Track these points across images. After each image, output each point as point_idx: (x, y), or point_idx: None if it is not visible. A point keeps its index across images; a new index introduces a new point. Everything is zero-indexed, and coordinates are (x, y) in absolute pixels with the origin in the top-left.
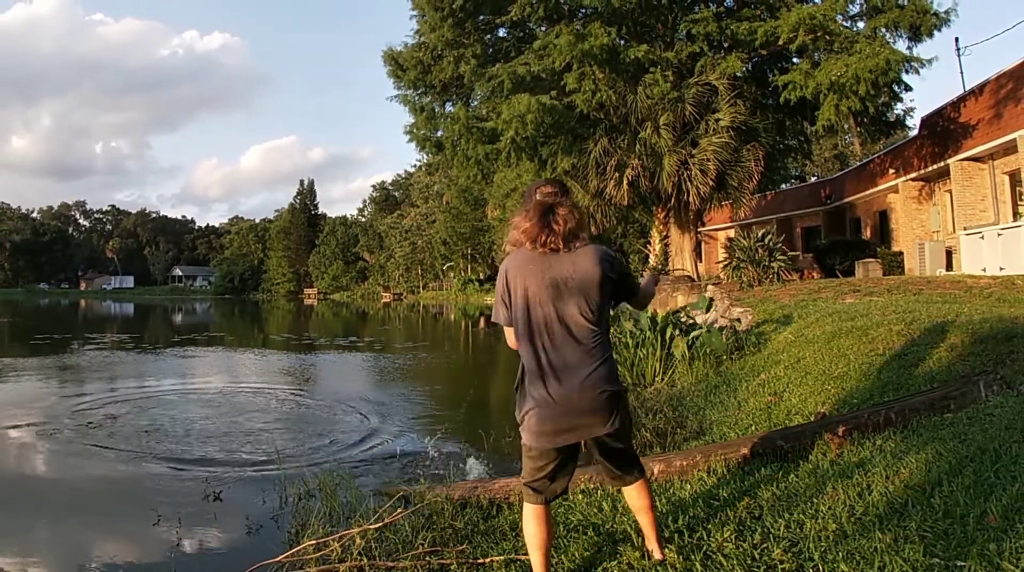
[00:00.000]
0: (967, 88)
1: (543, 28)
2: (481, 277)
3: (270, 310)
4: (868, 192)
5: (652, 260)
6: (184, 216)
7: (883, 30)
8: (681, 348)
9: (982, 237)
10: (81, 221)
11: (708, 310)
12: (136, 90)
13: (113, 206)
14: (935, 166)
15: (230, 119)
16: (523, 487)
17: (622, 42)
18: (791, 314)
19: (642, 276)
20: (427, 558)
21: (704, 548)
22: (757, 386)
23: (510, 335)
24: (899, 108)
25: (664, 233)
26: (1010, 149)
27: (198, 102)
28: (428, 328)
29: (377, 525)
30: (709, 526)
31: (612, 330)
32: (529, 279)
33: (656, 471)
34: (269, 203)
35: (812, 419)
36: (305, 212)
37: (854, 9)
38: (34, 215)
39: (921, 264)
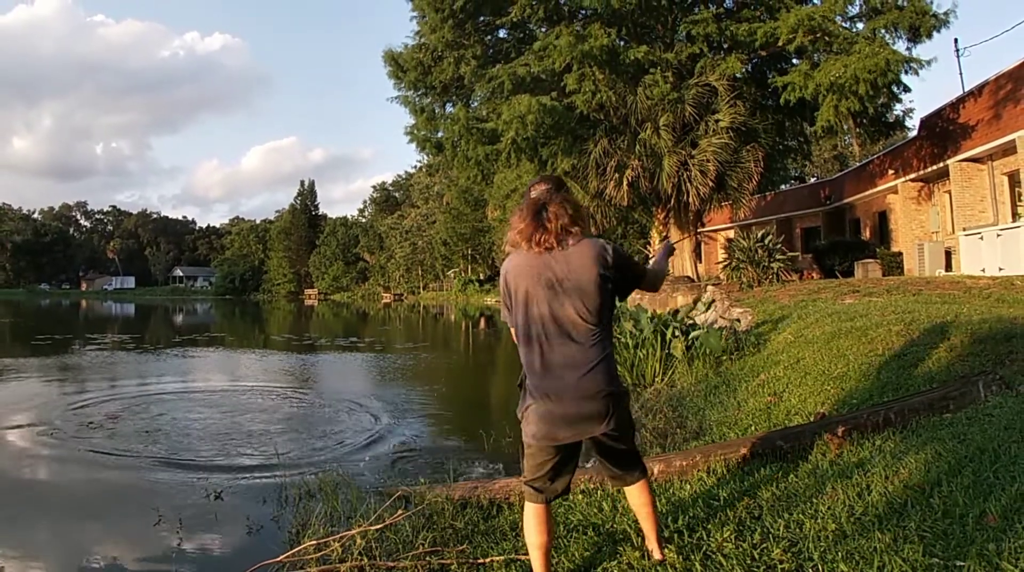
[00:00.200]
0: (966, 89)
1: (543, 29)
2: (481, 277)
3: (271, 311)
4: (867, 193)
5: (652, 262)
6: (185, 217)
7: (882, 31)
8: (680, 348)
9: (981, 238)
10: (82, 222)
11: (707, 310)
12: (137, 91)
13: (114, 207)
14: (934, 167)
15: (231, 120)
16: (524, 486)
17: (622, 43)
18: (790, 315)
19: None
20: (427, 558)
21: (704, 548)
22: (757, 386)
23: (516, 335)
24: (898, 109)
25: (664, 234)
26: (1009, 150)
27: (199, 103)
28: (428, 329)
29: (378, 525)
30: (709, 526)
31: (612, 330)
32: (527, 280)
33: (656, 471)
34: (270, 204)
35: (811, 419)
36: (306, 213)
37: (853, 10)
38: (35, 216)
39: (920, 265)
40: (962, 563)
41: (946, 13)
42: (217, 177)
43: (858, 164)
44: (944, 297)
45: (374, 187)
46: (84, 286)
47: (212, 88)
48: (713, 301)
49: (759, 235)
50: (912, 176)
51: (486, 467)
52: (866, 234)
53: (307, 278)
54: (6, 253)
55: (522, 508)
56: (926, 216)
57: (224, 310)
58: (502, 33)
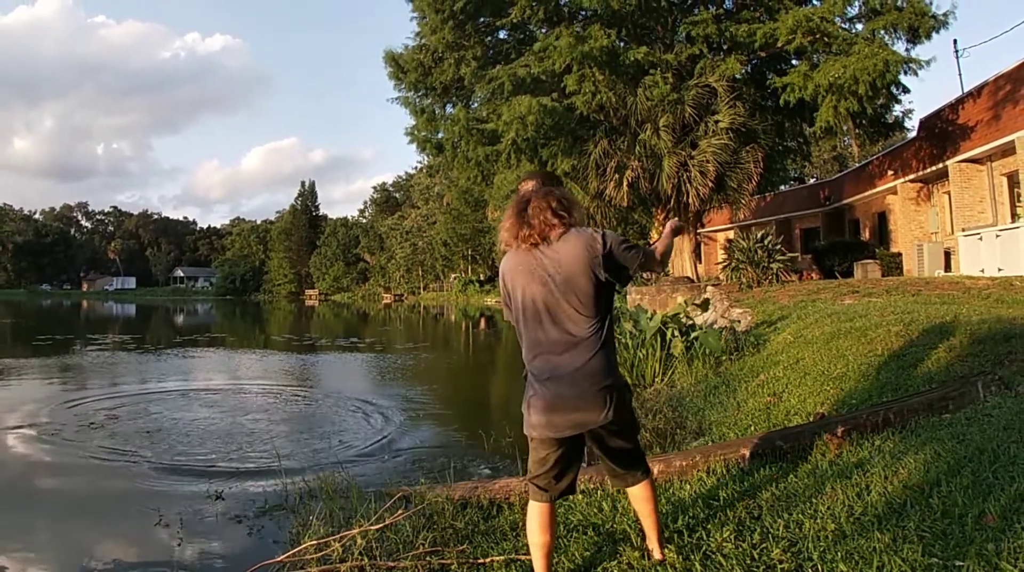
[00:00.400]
0: (965, 90)
1: (543, 30)
2: (481, 278)
3: (271, 311)
4: (867, 193)
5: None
6: (186, 217)
7: (881, 32)
8: (680, 349)
9: (980, 238)
10: (83, 222)
11: (707, 311)
12: (138, 92)
13: (115, 207)
14: (933, 168)
15: (231, 121)
16: (529, 484)
17: (622, 44)
18: (790, 315)
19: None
20: (428, 558)
21: (703, 548)
22: (756, 387)
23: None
24: (898, 110)
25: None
26: (1008, 151)
27: (199, 104)
28: (429, 329)
29: (378, 525)
30: (708, 526)
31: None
32: (522, 276)
33: (656, 471)
34: (270, 204)
35: (811, 420)
36: (306, 213)
37: (852, 11)
38: (36, 216)
39: (920, 265)
40: (961, 563)
41: (945, 14)
42: (218, 178)
43: (857, 165)
44: (943, 298)
45: (374, 188)
46: (85, 287)
47: (213, 89)
48: (712, 301)
49: (759, 236)
50: (911, 177)
51: (486, 467)
52: (865, 235)
53: (308, 279)
54: (7, 254)
55: (523, 508)
56: (925, 217)
57: (225, 310)
58: (502, 34)
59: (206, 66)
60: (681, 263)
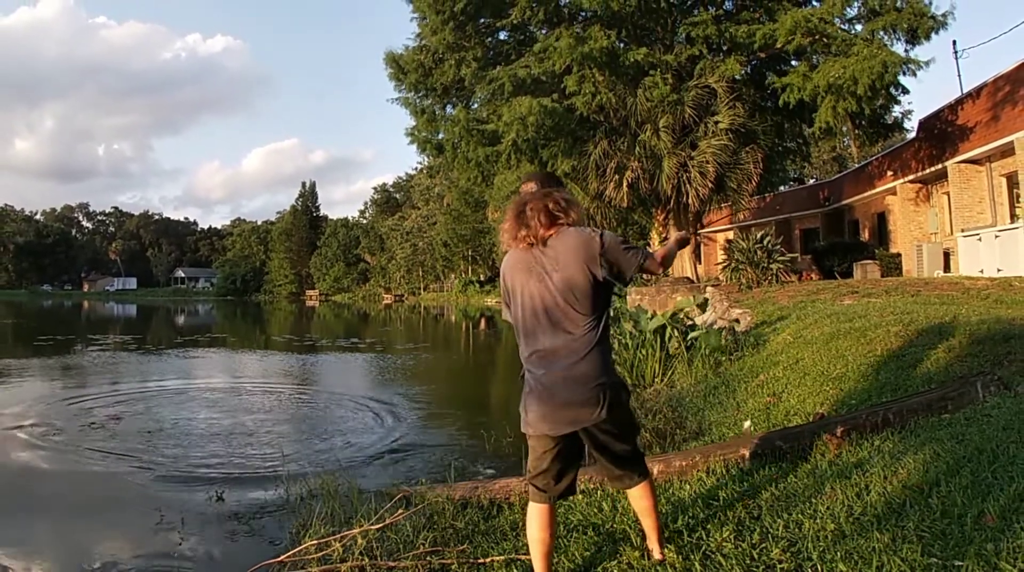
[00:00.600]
0: (964, 91)
1: (543, 31)
2: (482, 279)
3: (272, 311)
4: (866, 194)
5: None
6: (186, 218)
7: (881, 33)
8: (680, 349)
9: (980, 239)
10: (84, 223)
11: (706, 311)
12: (139, 93)
13: (116, 208)
14: (933, 168)
15: (232, 121)
16: (529, 485)
17: (622, 45)
18: (790, 315)
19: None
20: (428, 558)
21: (703, 548)
22: (756, 387)
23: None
24: (897, 110)
25: (663, 235)
26: (1007, 151)
27: (200, 105)
28: (429, 329)
29: (378, 525)
30: (708, 526)
31: (612, 331)
32: (521, 275)
33: (656, 471)
34: (271, 205)
35: (811, 420)
36: (307, 214)
37: (852, 12)
38: (37, 217)
39: (919, 266)
40: (960, 563)
41: (944, 15)
42: (218, 178)
43: (857, 166)
44: (942, 298)
45: (375, 188)
46: (86, 287)
47: (213, 89)
48: (711, 301)
49: (758, 236)
50: (911, 177)
51: (487, 467)
52: (865, 235)
53: (308, 279)
54: (8, 254)
55: (523, 508)
56: (925, 217)
57: (226, 311)
58: (502, 35)
59: (207, 67)
60: (681, 264)
